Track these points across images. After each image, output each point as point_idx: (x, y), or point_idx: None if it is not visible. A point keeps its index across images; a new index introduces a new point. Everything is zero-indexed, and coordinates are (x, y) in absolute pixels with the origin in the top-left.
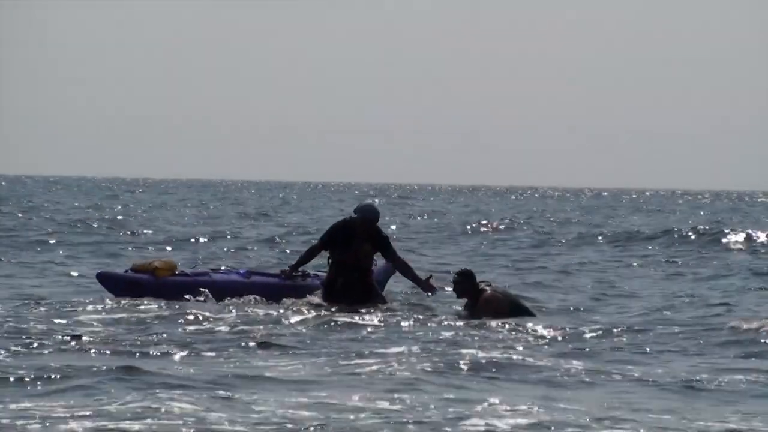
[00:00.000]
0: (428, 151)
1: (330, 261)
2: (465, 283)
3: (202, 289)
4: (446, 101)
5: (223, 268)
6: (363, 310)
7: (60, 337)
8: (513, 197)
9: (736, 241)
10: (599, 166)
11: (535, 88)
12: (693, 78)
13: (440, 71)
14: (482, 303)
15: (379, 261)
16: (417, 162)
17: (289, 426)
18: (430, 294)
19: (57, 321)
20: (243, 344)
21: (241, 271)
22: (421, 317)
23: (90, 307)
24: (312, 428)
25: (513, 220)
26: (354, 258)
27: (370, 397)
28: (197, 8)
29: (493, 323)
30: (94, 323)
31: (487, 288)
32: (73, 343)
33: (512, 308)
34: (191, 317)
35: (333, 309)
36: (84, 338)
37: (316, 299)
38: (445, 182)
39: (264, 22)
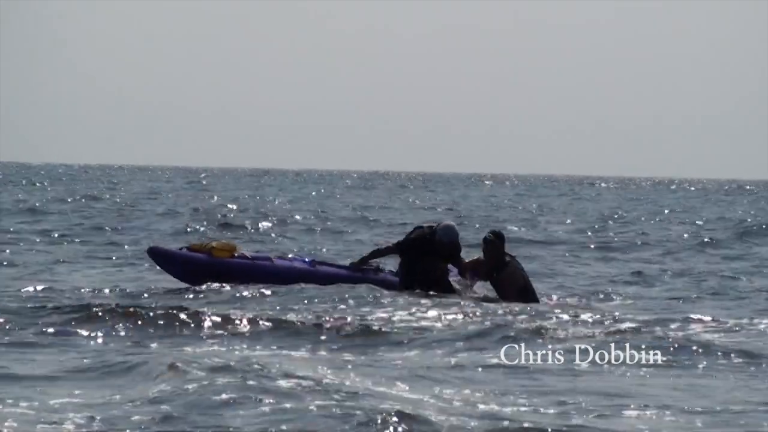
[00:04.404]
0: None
1: (402, 263)
2: (498, 246)
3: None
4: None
5: (290, 255)
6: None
7: None
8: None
9: None
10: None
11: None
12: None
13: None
14: (507, 274)
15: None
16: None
17: None
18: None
19: None
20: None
21: (307, 260)
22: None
23: None
24: None
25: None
26: (425, 271)
27: None
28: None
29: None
30: None
31: (511, 260)
32: None
33: (521, 290)
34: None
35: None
36: None
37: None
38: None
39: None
